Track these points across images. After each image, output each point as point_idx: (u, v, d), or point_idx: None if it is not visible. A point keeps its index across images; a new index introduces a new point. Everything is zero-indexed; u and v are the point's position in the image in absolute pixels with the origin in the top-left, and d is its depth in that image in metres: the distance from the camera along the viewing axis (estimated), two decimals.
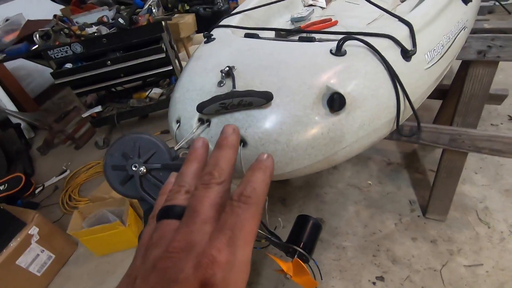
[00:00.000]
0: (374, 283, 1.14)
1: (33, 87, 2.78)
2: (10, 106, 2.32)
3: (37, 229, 1.29)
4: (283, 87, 0.44)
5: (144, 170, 0.37)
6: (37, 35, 1.69)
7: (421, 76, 0.55)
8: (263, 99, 0.41)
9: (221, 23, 0.73)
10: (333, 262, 1.24)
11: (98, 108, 2.01)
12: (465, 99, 1.11)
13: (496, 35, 0.95)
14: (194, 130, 0.44)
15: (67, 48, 1.74)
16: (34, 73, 2.77)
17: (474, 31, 1.01)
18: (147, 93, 2.16)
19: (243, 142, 0.44)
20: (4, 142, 2.04)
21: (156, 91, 2.17)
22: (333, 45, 0.48)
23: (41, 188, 1.88)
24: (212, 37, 0.63)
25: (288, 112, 0.43)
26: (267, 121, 0.43)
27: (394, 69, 0.48)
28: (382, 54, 0.48)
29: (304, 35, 0.61)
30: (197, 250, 0.17)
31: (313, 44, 0.52)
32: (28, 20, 1.84)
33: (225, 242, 0.17)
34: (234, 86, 0.44)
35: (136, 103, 2.12)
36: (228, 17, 0.76)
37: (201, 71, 0.51)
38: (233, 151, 0.23)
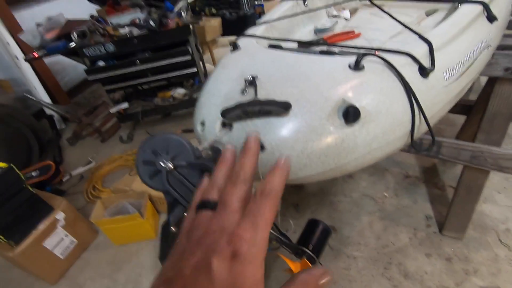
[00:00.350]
0: None
1: (67, 81, 2.96)
2: (45, 98, 2.48)
3: (63, 214, 1.38)
4: (301, 98, 0.47)
5: (171, 167, 0.41)
6: (75, 34, 1.81)
7: (439, 93, 0.56)
8: (282, 108, 0.44)
9: (247, 33, 0.77)
10: (343, 271, 1.24)
11: (125, 105, 2.12)
12: (490, 116, 1.08)
13: None
14: (217, 133, 0.48)
15: (100, 46, 1.85)
16: (68, 68, 2.95)
17: (502, 47, 0.99)
18: (171, 93, 2.25)
19: (261, 147, 0.47)
20: (38, 131, 2.19)
21: (180, 91, 2.25)
22: (352, 59, 0.51)
23: (68, 177, 2.00)
24: (238, 46, 0.67)
25: (304, 121, 0.45)
26: (284, 128, 0.46)
27: (411, 85, 0.50)
28: (399, 70, 0.49)
29: (325, 48, 0.64)
30: (228, 231, 0.23)
31: (332, 58, 0.54)
32: (67, 20, 1.97)
33: (250, 225, 0.23)
34: (256, 95, 0.48)
35: (161, 101, 2.21)
36: (254, 27, 0.80)
37: (226, 79, 0.55)
38: (255, 158, 0.29)
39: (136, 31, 1.86)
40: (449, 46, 0.59)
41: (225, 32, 3.02)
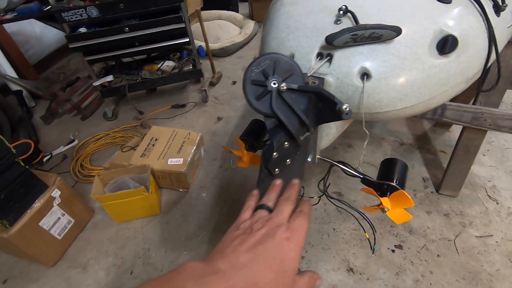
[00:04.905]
0: (393, 251, 1.21)
1: (31, 54, 2.63)
2: (10, 72, 2.19)
3: (59, 192, 1.26)
4: (401, 26, 0.46)
5: (284, 88, 0.38)
6: None
7: (503, 34, 0.58)
8: (394, 32, 0.43)
9: None
10: (353, 231, 1.29)
11: (110, 77, 1.95)
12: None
13: None
14: (313, 65, 0.45)
15: (82, 11, 1.66)
16: (32, 40, 2.62)
17: None
18: (159, 66, 2.11)
19: (366, 75, 0.46)
20: (5, 108, 1.94)
21: (168, 64, 2.12)
22: None
23: (49, 156, 1.82)
24: None
25: (409, 49, 0.45)
26: (390, 55, 0.45)
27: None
28: (483, 4, 0.51)
29: None
30: (285, 225, 0.36)
31: None
32: None
33: (299, 224, 0.37)
34: (357, 22, 0.46)
35: (148, 75, 2.07)
36: None
37: (307, 13, 0.52)
38: (297, 192, 0.43)
39: None
40: None
41: (206, 6, 2.87)
